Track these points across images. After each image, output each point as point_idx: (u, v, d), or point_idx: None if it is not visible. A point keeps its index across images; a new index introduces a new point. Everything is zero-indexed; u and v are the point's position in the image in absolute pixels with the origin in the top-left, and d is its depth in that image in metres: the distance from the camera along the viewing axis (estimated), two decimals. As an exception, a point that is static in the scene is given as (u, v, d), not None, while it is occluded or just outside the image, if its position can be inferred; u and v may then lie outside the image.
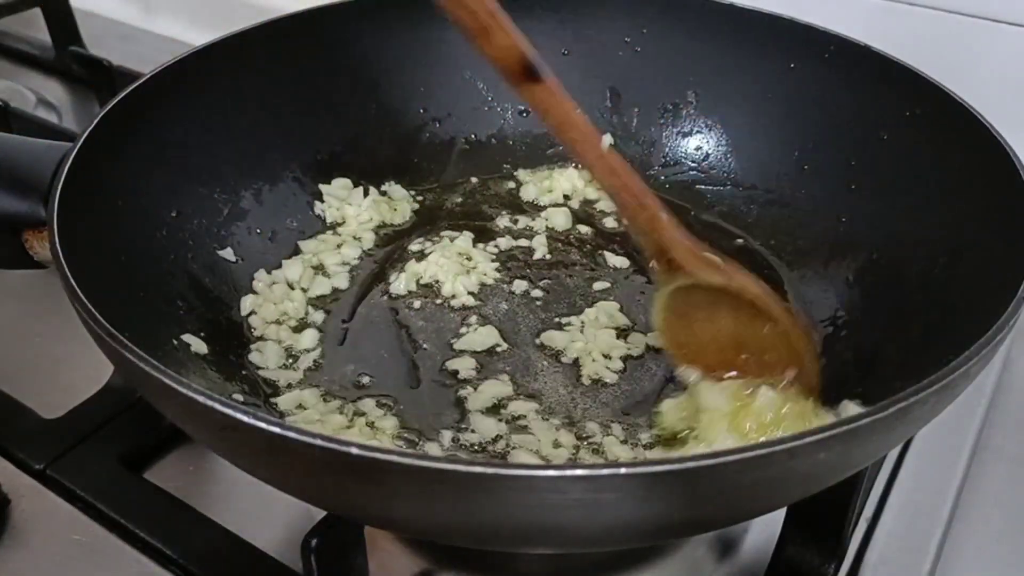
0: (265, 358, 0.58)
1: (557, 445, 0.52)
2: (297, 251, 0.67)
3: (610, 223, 0.72)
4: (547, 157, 0.77)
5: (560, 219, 0.71)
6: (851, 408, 0.48)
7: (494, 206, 0.74)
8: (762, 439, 0.47)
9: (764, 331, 0.53)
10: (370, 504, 0.38)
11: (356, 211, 0.70)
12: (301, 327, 0.61)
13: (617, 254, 0.68)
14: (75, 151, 0.51)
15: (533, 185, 0.75)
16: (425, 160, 0.76)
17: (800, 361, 0.52)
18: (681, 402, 0.54)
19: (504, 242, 0.69)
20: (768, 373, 0.52)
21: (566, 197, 0.74)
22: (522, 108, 0.77)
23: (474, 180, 0.76)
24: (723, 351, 0.54)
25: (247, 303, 0.61)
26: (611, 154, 0.52)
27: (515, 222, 0.72)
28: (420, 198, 0.74)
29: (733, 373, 0.53)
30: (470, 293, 0.64)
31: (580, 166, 0.55)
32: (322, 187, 0.70)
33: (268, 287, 0.63)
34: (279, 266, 0.65)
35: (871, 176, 0.63)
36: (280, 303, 0.62)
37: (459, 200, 0.74)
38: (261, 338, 0.59)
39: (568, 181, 0.75)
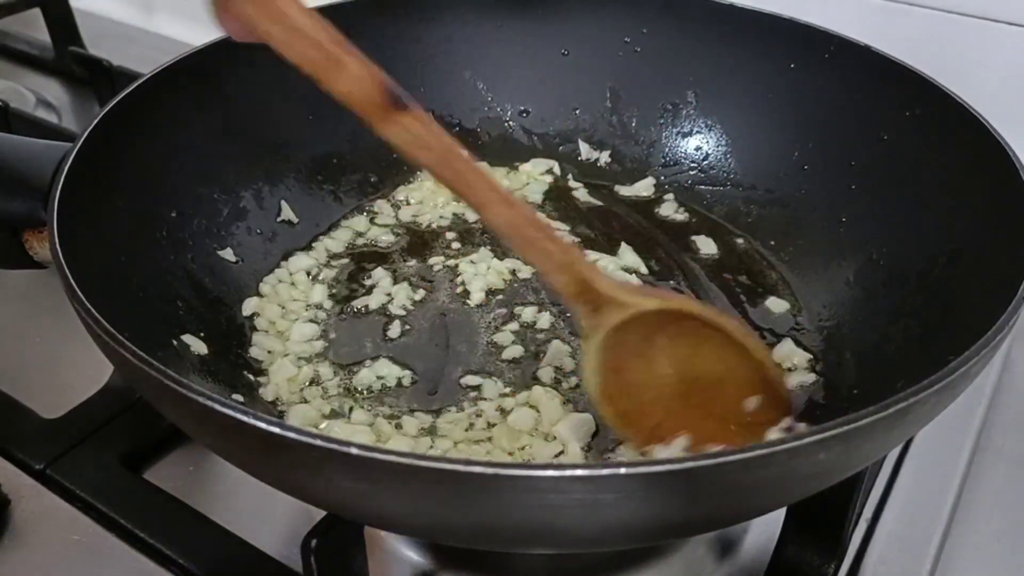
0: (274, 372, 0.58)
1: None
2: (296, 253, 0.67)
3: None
4: (548, 157, 0.77)
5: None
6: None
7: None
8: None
9: (715, 362, 0.45)
10: (370, 504, 0.38)
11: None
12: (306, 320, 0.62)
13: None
14: (75, 151, 0.51)
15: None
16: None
17: (765, 385, 0.46)
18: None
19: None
20: (731, 416, 0.45)
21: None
22: (523, 108, 0.77)
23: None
24: (680, 409, 0.46)
25: (250, 305, 0.62)
26: (505, 193, 0.44)
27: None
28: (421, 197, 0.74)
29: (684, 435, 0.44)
30: (490, 292, 0.65)
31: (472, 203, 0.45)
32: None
33: (273, 288, 0.64)
34: (279, 266, 0.65)
35: (871, 176, 0.63)
36: (285, 304, 0.63)
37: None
38: (270, 353, 0.59)
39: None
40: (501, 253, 0.68)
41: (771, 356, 0.47)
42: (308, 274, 0.65)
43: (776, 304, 0.62)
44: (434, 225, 0.71)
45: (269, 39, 0.40)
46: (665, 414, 0.46)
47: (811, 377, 0.57)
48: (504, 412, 0.55)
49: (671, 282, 0.66)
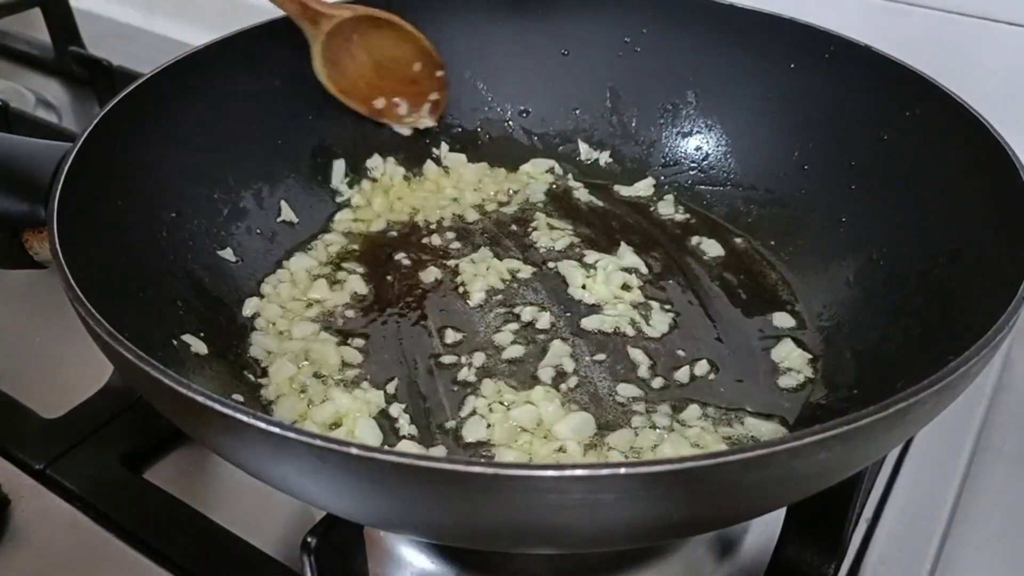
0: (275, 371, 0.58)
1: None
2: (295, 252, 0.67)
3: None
4: (548, 157, 0.77)
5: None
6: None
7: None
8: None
9: (395, 47, 0.70)
10: (370, 504, 0.38)
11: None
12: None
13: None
14: (75, 151, 0.51)
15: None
16: (425, 159, 0.76)
17: (424, 54, 0.71)
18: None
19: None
20: (418, 98, 0.72)
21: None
22: (523, 108, 0.77)
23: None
24: (378, 81, 0.71)
25: (250, 305, 0.62)
26: None
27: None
28: (421, 197, 0.74)
29: (389, 99, 0.72)
30: (490, 292, 0.65)
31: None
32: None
33: (274, 288, 0.64)
34: (280, 266, 0.65)
35: (871, 176, 0.63)
36: (287, 304, 0.63)
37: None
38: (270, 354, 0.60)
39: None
40: (501, 253, 0.68)
41: (421, 35, 0.71)
42: (308, 273, 0.65)
43: (781, 319, 0.62)
44: (433, 225, 0.71)
45: None
46: (368, 87, 0.71)
47: (811, 377, 0.57)
48: (506, 408, 0.55)
49: (671, 281, 0.66)
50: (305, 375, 0.57)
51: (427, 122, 0.75)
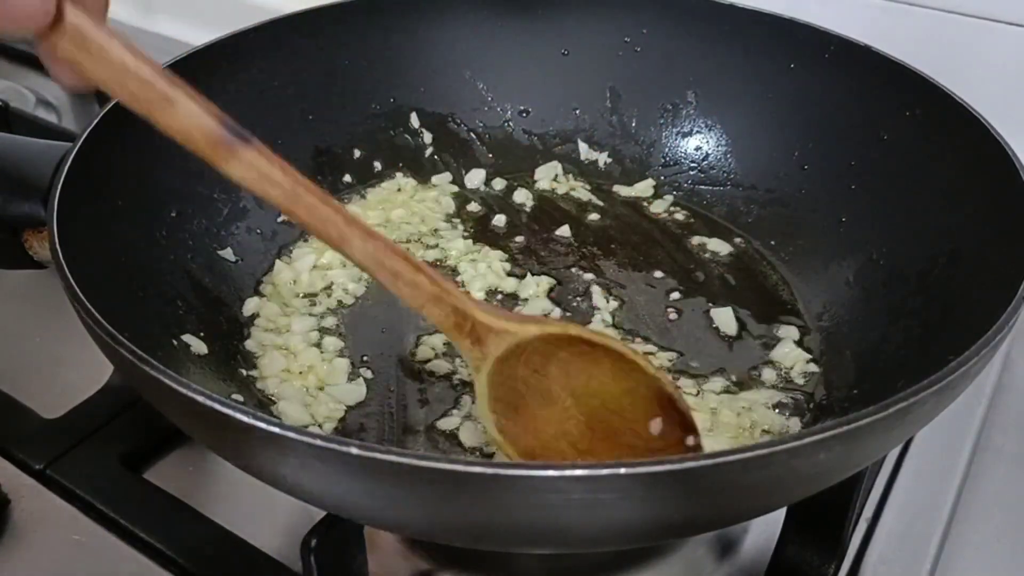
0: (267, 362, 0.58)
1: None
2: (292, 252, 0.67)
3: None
4: (547, 157, 0.77)
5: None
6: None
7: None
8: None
9: (612, 386, 0.43)
10: (370, 504, 0.38)
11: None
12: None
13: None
14: (75, 151, 0.51)
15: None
16: (425, 159, 0.76)
17: (664, 403, 0.43)
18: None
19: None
20: (637, 441, 0.43)
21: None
22: (523, 108, 0.77)
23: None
24: (590, 445, 0.44)
25: (250, 305, 0.62)
26: (359, 219, 0.43)
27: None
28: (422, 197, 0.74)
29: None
30: (490, 292, 0.65)
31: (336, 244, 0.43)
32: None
33: (274, 287, 0.64)
34: (281, 264, 0.65)
35: (871, 176, 0.63)
36: (288, 303, 0.63)
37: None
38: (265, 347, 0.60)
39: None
40: (502, 253, 0.68)
41: (665, 375, 0.44)
42: (309, 272, 0.65)
43: (781, 319, 0.62)
44: (433, 224, 0.71)
45: (99, 83, 0.39)
46: (571, 448, 0.44)
47: (811, 377, 0.57)
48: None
49: (671, 281, 0.66)
50: (299, 368, 0.57)
51: None
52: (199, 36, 0.63)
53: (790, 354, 0.59)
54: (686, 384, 0.57)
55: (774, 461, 0.33)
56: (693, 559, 0.53)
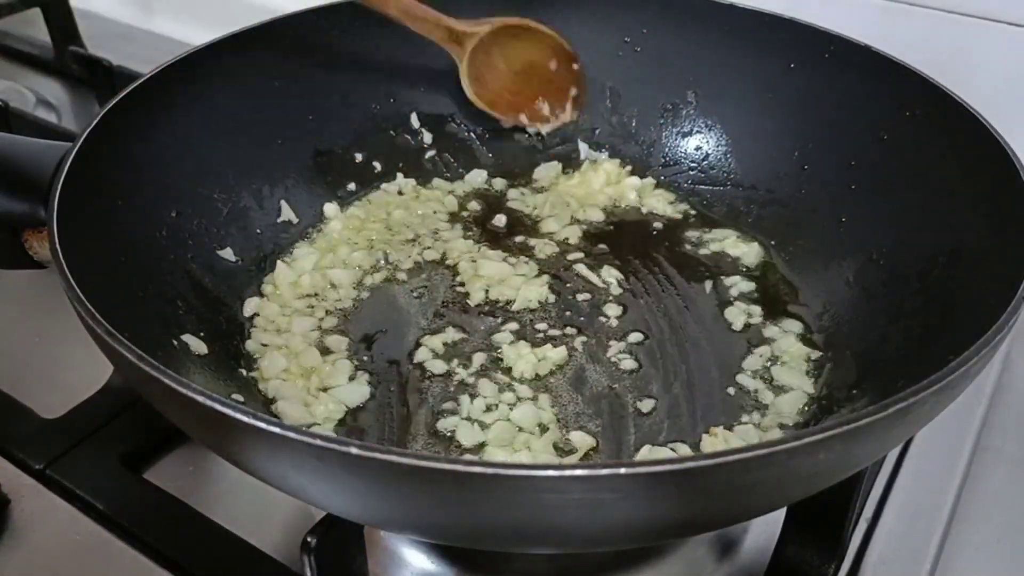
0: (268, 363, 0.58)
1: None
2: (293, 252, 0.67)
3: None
4: (547, 157, 0.77)
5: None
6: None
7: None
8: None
9: (533, 50, 0.73)
10: (370, 504, 0.38)
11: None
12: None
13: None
14: (75, 151, 0.51)
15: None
16: (425, 160, 0.76)
17: (560, 52, 0.73)
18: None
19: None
20: (559, 96, 0.75)
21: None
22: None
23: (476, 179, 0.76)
24: (520, 88, 0.74)
25: (251, 305, 0.62)
26: None
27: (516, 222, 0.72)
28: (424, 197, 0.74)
29: (532, 102, 0.75)
30: (489, 292, 0.65)
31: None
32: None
33: (274, 287, 0.64)
34: (281, 265, 0.65)
35: (871, 176, 0.63)
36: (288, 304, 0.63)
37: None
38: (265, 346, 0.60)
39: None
40: (503, 253, 0.68)
41: (559, 34, 0.73)
42: (310, 272, 0.66)
43: (781, 319, 0.62)
44: (433, 224, 0.71)
45: None
46: (512, 95, 0.75)
47: (811, 377, 0.58)
48: (508, 408, 0.55)
49: (671, 281, 0.66)
50: (299, 369, 0.58)
51: (567, 117, 0.76)
52: (199, 36, 0.63)
53: (789, 348, 0.59)
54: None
55: (774, 461, 0.33)
56: (693, 559, 0.53)
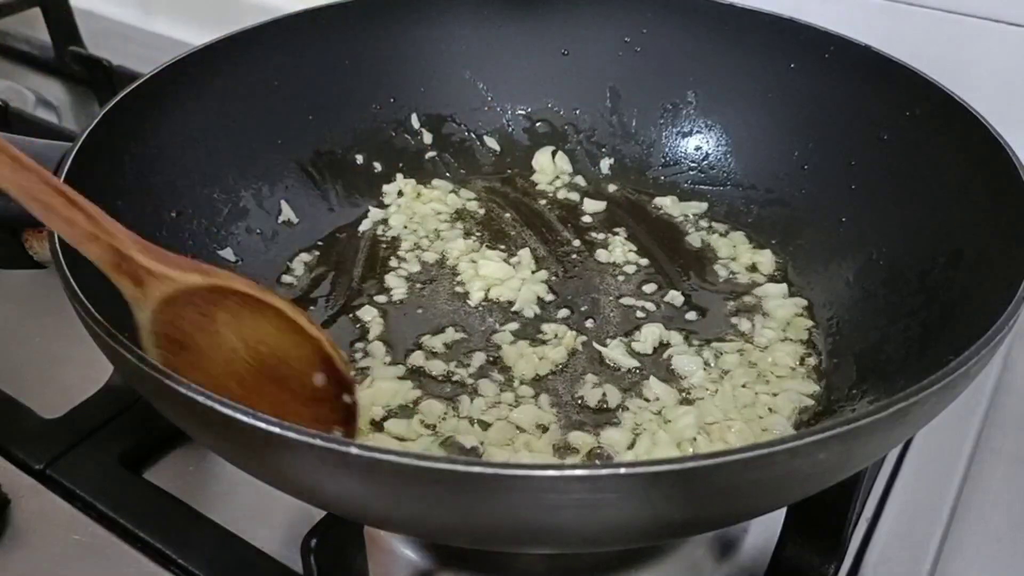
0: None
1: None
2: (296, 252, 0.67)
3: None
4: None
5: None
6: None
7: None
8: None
9: (278, 338, 0.45)
10: (370, 504, 0.38)
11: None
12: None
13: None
14: (75, 151, 0.51)
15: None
16: (425, 160, 0.76)
17: (325, 362, 0.46)
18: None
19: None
20: (316, 419, 0.46)
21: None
22: (523, 108, 0.77)
23: (477, 180, 0.76)
24: (259, 386, 0.45)
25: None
26: (14, 148, 0.40)
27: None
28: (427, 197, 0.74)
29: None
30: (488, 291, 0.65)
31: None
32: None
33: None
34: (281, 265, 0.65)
35: (871, 176, 0.63)
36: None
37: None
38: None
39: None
40: (503, 252, 0.68)
41: (326, 336, 0.47)
42: (309, 270, 0.65)
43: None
44: (434, 224, 0.71)
45: None
46: (239, 387, 0.45)
47: (811, 376, 0.58)
48: (509, 408, 0.55)
49: (671, 281, 0.66)
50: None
51: None
52: (199, 36, 0.63)
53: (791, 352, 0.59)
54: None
55: (774, 461, 0.33)
56: (693, 559, 0.53)
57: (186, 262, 0.43)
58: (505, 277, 0.66)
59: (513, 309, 0.63)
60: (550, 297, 0.64)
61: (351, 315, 0.63)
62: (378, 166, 0.74)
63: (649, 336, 0.60)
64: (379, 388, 0.56)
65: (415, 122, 0.76)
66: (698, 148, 0.74)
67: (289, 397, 0.46)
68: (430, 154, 0.76)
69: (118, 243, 0.42)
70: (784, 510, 0.50)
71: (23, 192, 0.40)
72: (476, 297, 0.64)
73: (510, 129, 0.78)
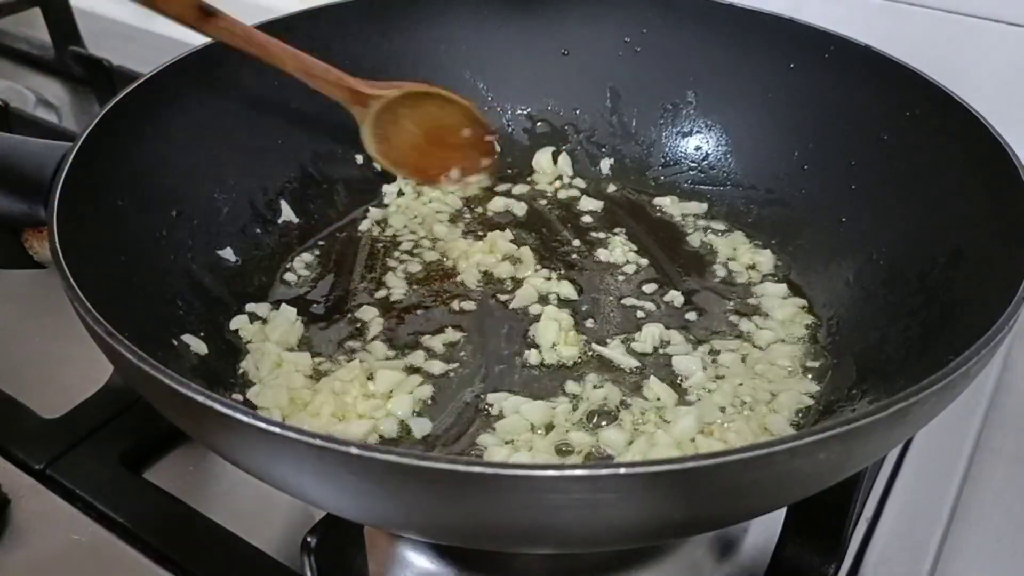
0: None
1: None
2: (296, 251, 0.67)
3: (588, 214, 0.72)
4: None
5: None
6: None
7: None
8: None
9: (444, 116, 0.68)
10: (370, 504, 0.38)
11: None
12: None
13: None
14: (75, 151, 0.51)
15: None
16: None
17: (475, 121, 0.70)
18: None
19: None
20: (467, 160, 0.71)
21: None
22: (523, 108, 0.77)
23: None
24: (429, 151, 0.69)
25: (250, 306, 0.62)
26: (293, 49, 0.63)
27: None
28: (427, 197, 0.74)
29: (442, 166, 0.70)
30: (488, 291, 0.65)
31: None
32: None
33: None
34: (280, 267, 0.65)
35: (871, 176, 0.63)
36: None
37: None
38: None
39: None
40: (503, 252, 0.69)
41: (471, 101, 0.70)
42: (309, 270, 0.66)
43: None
44: (433, 224, 0.71)
45: None
46: (416, 153, 0.69)
47: (811, 376, 0.58)
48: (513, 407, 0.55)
49: (670, 281, 0.66)
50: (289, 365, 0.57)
51: (476, 185, 0.74)
52: (199, 36, 0.63)
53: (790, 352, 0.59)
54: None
55: (774, 461, 0.33)
56: (693, 559, 0.53)
57: (386, 84, 0.66)
58: (505, 277, 0.66)
59: (513, 308, 0.63)
60: (551, 296, 0.64)
61: (351, 315, 0.63)
62: (378, 166, 0.74)
63: (649, 336, 0.60)
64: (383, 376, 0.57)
65: (415, 122, 0.76)
66: (698, 148, 0.74)
67: (450, 150, 0.70)
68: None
69: (349, 83, 0.64)
70: (784, 510, 0.50)
71: (302, 71, 0.63)
72: (476, 297, 0.64)
73: (510, 129, 0.78)
